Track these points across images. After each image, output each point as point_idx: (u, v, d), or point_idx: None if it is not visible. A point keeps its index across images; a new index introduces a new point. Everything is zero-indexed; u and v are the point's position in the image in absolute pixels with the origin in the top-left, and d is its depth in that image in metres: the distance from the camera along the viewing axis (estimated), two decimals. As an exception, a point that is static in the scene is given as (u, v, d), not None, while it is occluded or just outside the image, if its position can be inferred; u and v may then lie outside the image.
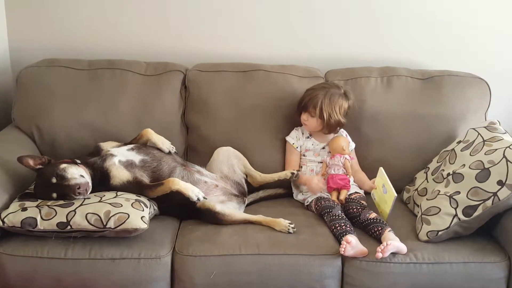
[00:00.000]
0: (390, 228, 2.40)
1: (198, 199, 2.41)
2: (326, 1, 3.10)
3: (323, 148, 2.84)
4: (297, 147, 2.84)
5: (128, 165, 2.51)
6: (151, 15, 3.10)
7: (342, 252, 2.27)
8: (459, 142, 2.69)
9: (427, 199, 2.56)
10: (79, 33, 3.12)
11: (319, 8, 3.11)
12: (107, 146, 2.63)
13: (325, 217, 2.54)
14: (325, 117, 2.73)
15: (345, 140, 2.82)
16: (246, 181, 2.82)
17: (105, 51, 3.09)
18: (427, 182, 2.70)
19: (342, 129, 2.89)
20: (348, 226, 2.42)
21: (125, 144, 2.67)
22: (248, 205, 2.77)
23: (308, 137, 2.85)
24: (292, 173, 2.74)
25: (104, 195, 2.35)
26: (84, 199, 2.31)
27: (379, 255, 2.25)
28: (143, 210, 2.29)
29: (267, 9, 3.11)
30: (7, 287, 2.27)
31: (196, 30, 3.13)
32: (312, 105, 2.73)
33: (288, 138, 2.87)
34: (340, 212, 2.53)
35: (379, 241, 2.36)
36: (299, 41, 3.16)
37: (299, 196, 2.82)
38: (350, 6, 3.11)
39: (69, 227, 2.20)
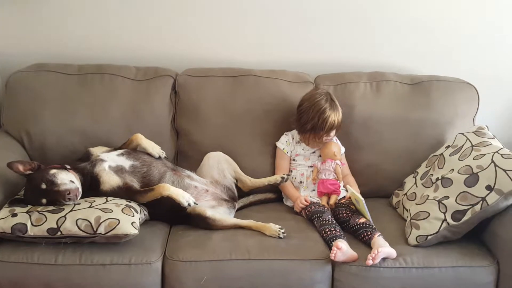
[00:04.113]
0: (379, 233, 2.41)
1: (189, 205, 2.41)
2: (316, 6, 3.10)
3: (313, 152, 2.85)
4: (287, 152, 2.85)
5: (118, 170, 2.50)
6: (141, 20, 3.09)
7: (332, 258, 2.28)
8: (447, 147, 2.71)
9: (416, 204, 2.57)
10: (69, 38, 3.10)
11: (309, 14, 3.11)
12: (97, 151, 2.62)
13: (315, 222, 2.55)
14: (341, 122, 2.78)
15: (336, 145, 2.83)
16: (236, 186, 2.82)
17: (94, 56, 3.06)
18: (416, 186, 2.72)
19: (331, 134, 2.91)
20: (338, 231, 2.43)
21: (115, 149, 2.66)
22: (238, 209, 2.77)
23: (298, 142, 2.86)
24: (282, 178, 2.74)
25: (95, 201, 2.34)
26: (74, 204, 2.30)
27: (370, 262, 2.26)
28: (133, 216, 2.29)
29: (257, 15, 3.11)
30: (-3, 293, 2.26)
31: (186, 35, 3.12)
32: (337, 122, 2.73)
33: (278, 144, 2.87)
34: (330, 217, 2.54)
35: (368, 246, 2.38)
36: (289, 46, 3.17)
37: (289, 201, 2.83)
38: (340, 12, 3.12)
39: (59, 233, 2.20)
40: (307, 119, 2.72)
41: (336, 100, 2.77)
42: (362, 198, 2.53)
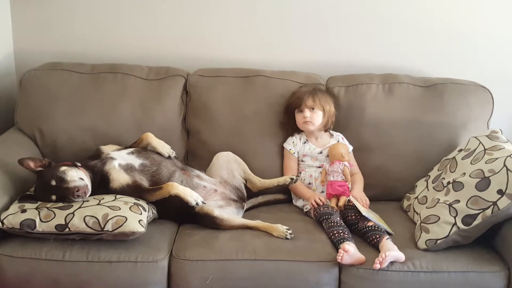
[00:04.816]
0: (388, 236, 2.40)
1: (197, 204, 2.41)
2: (328, 7, 3.10)
3: (321, 152, 2.84)
4: (294, 153, 2.84)
5: (128, 168, 2.52)
6: (153, 20, 3.12)
7: (339, 260, 2.26)
8: (460, 150, 2.68)
9: (426, 207, 2.54)
10: (83, 37, 3.14)
11: (320, 14, 3.11)
12: (108, 149, 2.65)
13: (323, 224, 2.53)
14: (326, 107, 2.78)
15: (344, 146, 2.82)
16: (246, 186, 2.81)
17: (108, 55, 3.11)
18: (428, 190, 2.69)
19: (338, 133, 2.90)
20: (346, 233, 2.41)
21: (126, 147, 2.69)
22: (247, 210, 2.77)
23: (304, 142, 2.85)
24: (292, 179, 2.72)
25: (103, 198, 2.36)
26: (83, 201, 2.32)
27: (377, 266, 2.24)
28: (141, 214, 2.30)
29: (268, 15, 3.11)
30: (6, 288, 2.29)
31: (198, 35, 3.14)
32: (311, 99, 2.76)
33: (285, 145, 2.87)
34: (338, 219, 2.52)
35: (377, 249, 2.36)
36: (300, 47, 3.16)
37: (298, 202, 2.82)
38: (352, 12, 3.11)
39: (67, 229, 2.22)
40: (287, 103, 2.85)
41: (322, 92, 2.84)
42: (365, 213, 2.53)
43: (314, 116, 2.78)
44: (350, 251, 2.27)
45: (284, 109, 2.86)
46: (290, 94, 2.86)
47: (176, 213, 2.55)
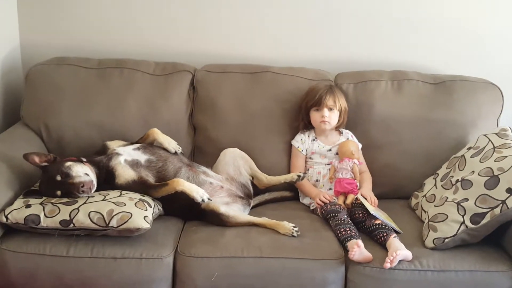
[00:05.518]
0: (395, 235, 2.38)
1: (203, 200, 2.41)
2: (337, 3, 3.08)
3: (329, 150, 2.82)
4: (302, 150, 2.82)
5: (134, 164, 2.51)
6: (160, 16, 3.11)
7: (351, 257, 2.25)
8: (469, 148, 2.66)
9: (434, 206, 2.52)
10: (90, 32, 3.13)
11: (330, 10, 3.09)
12: (114, 145, 2.64)
13: (330, 221, 2.52)
14: (343, 107, 2.78)
15: (354, 144, 2.80)
16: (252, 183, 2.80)
17: (114, 50, 3.10)
18: (436, 188, 2.66)
19: (347, 131, 2.88)
20: (353, 231, 2.40)
21: (132, 143, 2.67)
22: (254, 207, 2.76)
23: (313, 140, 2.84)
24: (298, 176, 2.71)
25: (108, 194, 2.35)
26: (88, 197, 2.31)
27: (388, 265, 2.23)
28: (146, 210, 2.29)
29: (277, 11, 3.09)
30: (9, 283, 2.28)
31: (205, 31, 3.13)
32: (332, 99, 2.75)
33: (293, 142, 2.85)
34: (346, 216, 2.51)
35: (384, 247, 2.34)
36: (308, 43, 3.15)
37: (305, 200, 2.81)
38: (361, 9, 3.09)
39: (72, 225, 2.21)
40: (303, 100, 2.79)
41: (338, 91, 2.82)
42: (373, 211, 2.50)
43: (332, 116, 2.77)
44: (361, 248, 2.27)
45: (300, 106, 2.83)
46: (306, 91, 2.84)
47: (182, 210, 2.54)
